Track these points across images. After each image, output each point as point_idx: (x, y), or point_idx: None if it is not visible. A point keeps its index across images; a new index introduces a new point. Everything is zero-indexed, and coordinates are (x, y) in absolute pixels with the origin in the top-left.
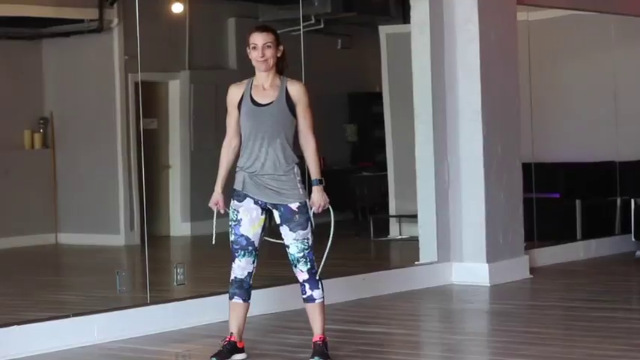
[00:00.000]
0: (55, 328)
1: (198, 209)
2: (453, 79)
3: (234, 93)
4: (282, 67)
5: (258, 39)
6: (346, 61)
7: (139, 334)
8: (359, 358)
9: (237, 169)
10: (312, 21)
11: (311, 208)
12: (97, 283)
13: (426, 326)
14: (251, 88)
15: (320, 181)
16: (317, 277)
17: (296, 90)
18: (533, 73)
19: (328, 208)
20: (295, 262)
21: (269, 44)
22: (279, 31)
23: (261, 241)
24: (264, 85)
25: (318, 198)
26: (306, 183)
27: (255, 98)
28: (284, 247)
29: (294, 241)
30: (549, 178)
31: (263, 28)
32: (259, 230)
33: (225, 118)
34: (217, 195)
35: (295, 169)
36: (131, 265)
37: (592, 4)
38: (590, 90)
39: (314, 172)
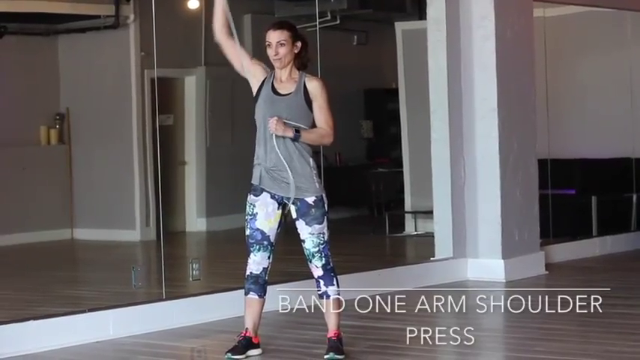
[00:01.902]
0: (71, 324)
1: (214, 205)
2: (469, 75)
3: (260, 69)
4: (304, 62)
5: (272, 37)
6: (362, 58)
7: (154, 329)
8: (374, 354)
9: (255, 164)
10: (328, 17)
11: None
12: (113, 279)
13: (441, 322)
14: (272, 77)
15: (297, 132)
16: (332, 273)
17: (314, 86)
18: (549, 70)
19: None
20: (310, 257)
21: (282, 42)
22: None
23: (278, 237)
24: (282, 78)
25: (282, 124)
26: (322, 177)
27: (276, 87)
28: (300, 241)
29: (309, 235)
30: (565, 175)
31: (278, 26)
32: (275, 225)
33: (240, 113)
34: None
35: (311, 163)
36: (147, 261)
37: (608, 0)
38: (606, 86)
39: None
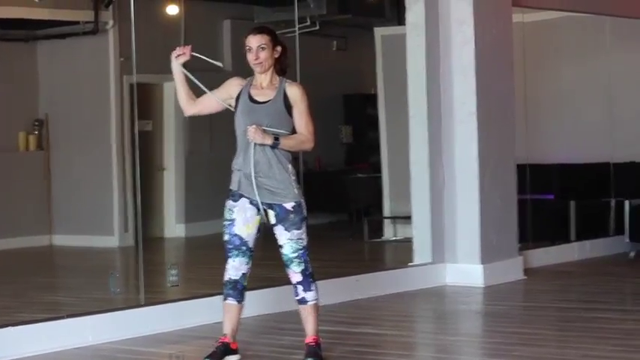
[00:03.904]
0: (49, 330)
1: (193, 211)
2: (448, 80)
3: (234, 85)
4: (283, 67)
5: (252, 41)
6: (341, 63)
7: (132, 335)
8: (352, 359)
9: (234, 169)
10: (308, 23)
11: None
12: (91, 285)
13: (419, 327)
14: (250, 86)
15: (277, 139)
16: (310, 279)
17: (294, 92)
18: (528, 75)
19: None
20: (289, 262)
21: (263, 46)
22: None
23: (256, 242)
24: (262, 84)
25: (260, 132)
26: (301, 182)
27: (253, 95)
28: (278, 247)
29: (288, 240)
30: (544, 180)
31: (258, 30)
32: (254, 231)
33: (220, 119)
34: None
35: (290, 169)
36: (125, 267)
37: (587, 5)
38: (585, 91)
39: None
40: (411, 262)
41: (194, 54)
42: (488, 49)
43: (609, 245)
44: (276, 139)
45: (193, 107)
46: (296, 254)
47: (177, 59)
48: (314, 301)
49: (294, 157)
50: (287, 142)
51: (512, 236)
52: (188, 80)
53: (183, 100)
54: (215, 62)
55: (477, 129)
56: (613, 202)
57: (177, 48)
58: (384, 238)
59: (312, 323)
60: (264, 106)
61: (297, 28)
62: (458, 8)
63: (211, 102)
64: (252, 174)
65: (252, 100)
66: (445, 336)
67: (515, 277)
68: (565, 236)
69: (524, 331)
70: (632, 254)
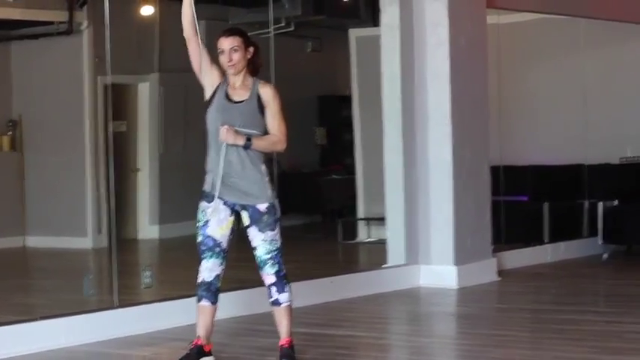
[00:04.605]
0: (22, 332)
1: (167, 212)
2: (422, 82)
3: (218, 77)
4: (256, 67)
5: (224, 43)
6: (316, 64)
7: (106, 337)
8: None
9: (207, 170)
10: (283, 24)
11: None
12: (65, 286)
13: (393, 329)
14: (227, 85)
15: (249, 140)
16: (284, 280)
17: (267, 93)
18: (502, 77)
19: None
20: (262, 264)
21: (236, 48)
22: (249, 34)
23: (230, 243)
24: (235, 85)
25: (232, 133)
26: (275, 184)
27: (229, 95)
28: (251, 249)
29: (262, 242)
30: (517, 181)
31: (229, 32)
32: (227, 232)
33: (194, 120)
34: None
35: (263, 170)
36: (99, 268)
37: (562, 7)
38: (559, 93)
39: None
40: (385, 263)
41: None
42: (463, 50)
43: (583, 247)
44: (248, 139)
45: (193, 34)
46: (270, 255)
47: None
48: (288, 303)
49: (268, 158)
50: (259, 143)
51: (486, 238)
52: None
53: (188, 20)
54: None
55: (450, 130)
56: (587, 204)
57: None
58: (358, 239)
59: (285, 325)
60: (238, 105)
61: (271, 29)
62: (432, 10)
63: (201, 53)
64: (225, 175)
65: (227, 98)
66: (419, 338)
67: (489, 278)
68: (539, 238)
69: (497, 333)
70: (605, 256)
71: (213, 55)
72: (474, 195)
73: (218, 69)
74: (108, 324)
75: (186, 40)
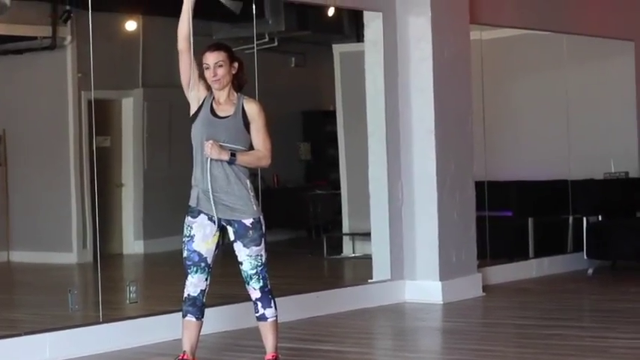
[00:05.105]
0: (7, 347)
1: (151, 227)
2: (406, 97)
3: (204, 90)
4: (241, 83)
5: (209, 59)
6: (300, 80)
7: (91, 352)
8: None
9: (192, 185)
10: (266, 39)
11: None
12: (50, 302)
13: (379, 344)
14: (212, 100)
15: (233, 155)
16: (270, 295)
17: (252, 108)
18: (486, 92)
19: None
20: (248, 279)
21: (220, 63)
22: (233, 49)
23: (215, 259)
24: (220, 100)
25: (217, 148)
26: (259, 199)
27: (215, 110)
28: (237, 263)
29: (247, 257)
30: (502, 197)
31: (214, 47)
32: (213, 247)
33: (178, 135)
34: None
35: (248, 185)
36: (83, 284)
37: (544, 23)
38: (542, 109)
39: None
40: (371, 278)
41: None
42: (447, 66)
43: (567, 262)
44: (233, 155)
45: (187, 46)
46: (255, 271)
47: None
48: (273, 318)
49: (253, 174)
50: (244, 158)
51: (471, 253)
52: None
53: (184, 29)
54: (232, 8)
55: (435, 146)
56: (571, 219)
57: None
58: (343, 254)
59: (271, 340)
60: (223, 121)
61: (255, 45)
62: (416, 25)
63: (192, 67)
64: (210, 190)
65: (213, 114)
66: (405, 353)
67: (474, 293)
68: (523, 253)
69: (482, 348)
70: (590, 271)
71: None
72: (459, 210)
73: (204, 84)
74: (93, 339)
75: (179, 53)
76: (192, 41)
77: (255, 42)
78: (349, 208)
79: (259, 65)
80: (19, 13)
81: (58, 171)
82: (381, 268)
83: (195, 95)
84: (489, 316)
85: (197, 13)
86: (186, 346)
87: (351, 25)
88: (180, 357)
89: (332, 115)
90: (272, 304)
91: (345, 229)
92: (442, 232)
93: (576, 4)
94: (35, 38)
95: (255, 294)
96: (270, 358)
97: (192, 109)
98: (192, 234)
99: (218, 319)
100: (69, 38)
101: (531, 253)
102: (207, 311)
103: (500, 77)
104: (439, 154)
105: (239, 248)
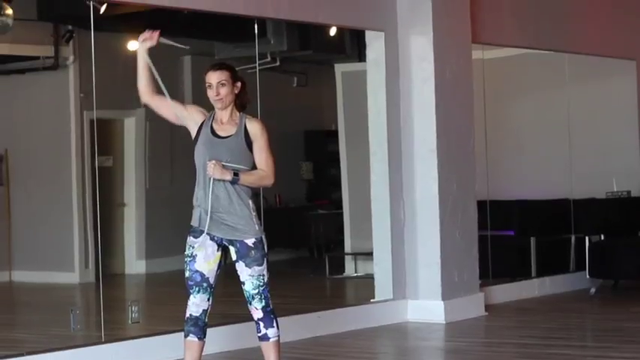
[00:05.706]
0: None
1: (154, 247)
2: (408, 117)
3: (199, 112)
4: (244, 102)
5: (212, 78)
6: (302, 99)
7: None
8: None
9: (194, 205)
10: (268, 59)
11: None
12: (52, 322)
13: None
14: (212, 120)
15: (236, 175)
16: (272, 315)
17: (254, 128)
18: (488, 111)
19: None
20: (250, 299)
21: (223, 82)
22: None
23: (217, 278)
24: (222, 120)
25: (219, 168)
26: (262, 219)
27: (216, 130)
28: (239, 283)
29: (249, 277)
30: (504, 216)
31: (217, 67)
32: (215, 267)
33: (180, 155)
34: None
35: (250, 205)
36: (86, 303)
37: (546, 42)
38: (544, 128)
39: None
40: (373, 298)
41: (162, 40)
42: (449, 85)
43: (570, 281)
44: (236, 174)
45: (150, 96)
46: (257, 290)
47: (143, 43)
48: (275, 338)
49: (255, 193)
50: (246, 178)
51: (473, 272)
52: (152, 76)
53: (143, 84)
54: (182, 45)
55: (437, 165)
56: (573, 239)
57: (145, 32)
58: (345, 274)
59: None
60: (225, 140)
61: (257, 64)
62: (418, 45)
63: (171, 106)
64: (212, 210)
65: (214, 134)
66: None
67: (477, 313)
68: (526, 272)
69: None
70: (592, 290)
71: (199, 89)
72: (461, 229)
73: (196, 108)
74: (95, 359)
75: (150, 106)
76: (162, 84)
77: (257, 62)
78: (351, 227)
79: (261, 85)
80: (22, 33)
81: (60, 191)
82: (383, 288)
83: (191, 122)
84: (492, 335)
85: (200, 34)
86: None
87: (353, 45)
88: None
89: (334, 134)
90: (274, 324)
91: (347, 248)
92: (444, 252)
93: (578, 24)
94: (37, 58)
95: (258, 314)
96: None
97: (193, 134)
98: (194, 254)
99: (220, 339)
100: (71, 58)
101: (534, 272)
102: (209, 331)
103: (502, 96)
104: (441, 174)
105: (241, 268)
